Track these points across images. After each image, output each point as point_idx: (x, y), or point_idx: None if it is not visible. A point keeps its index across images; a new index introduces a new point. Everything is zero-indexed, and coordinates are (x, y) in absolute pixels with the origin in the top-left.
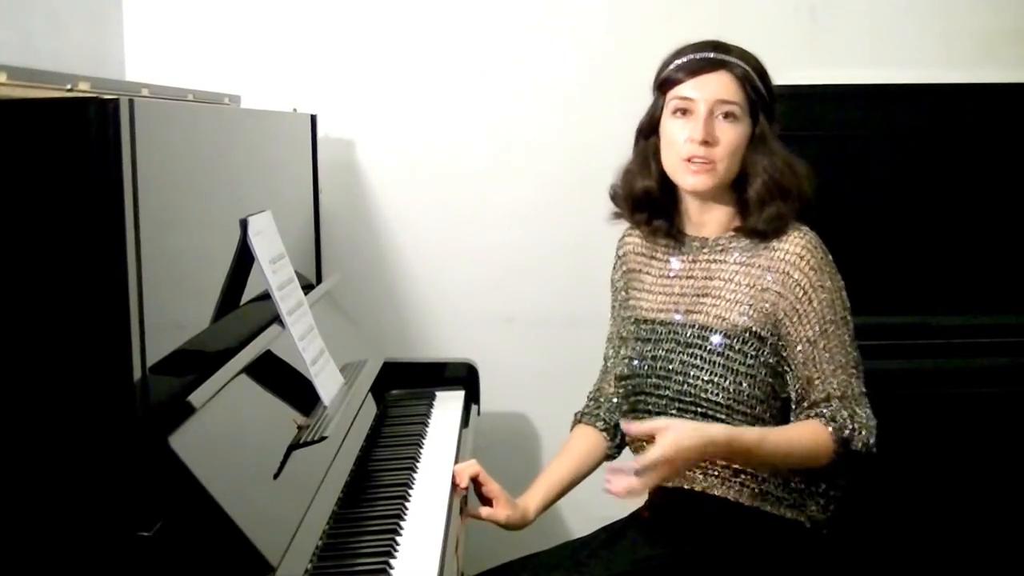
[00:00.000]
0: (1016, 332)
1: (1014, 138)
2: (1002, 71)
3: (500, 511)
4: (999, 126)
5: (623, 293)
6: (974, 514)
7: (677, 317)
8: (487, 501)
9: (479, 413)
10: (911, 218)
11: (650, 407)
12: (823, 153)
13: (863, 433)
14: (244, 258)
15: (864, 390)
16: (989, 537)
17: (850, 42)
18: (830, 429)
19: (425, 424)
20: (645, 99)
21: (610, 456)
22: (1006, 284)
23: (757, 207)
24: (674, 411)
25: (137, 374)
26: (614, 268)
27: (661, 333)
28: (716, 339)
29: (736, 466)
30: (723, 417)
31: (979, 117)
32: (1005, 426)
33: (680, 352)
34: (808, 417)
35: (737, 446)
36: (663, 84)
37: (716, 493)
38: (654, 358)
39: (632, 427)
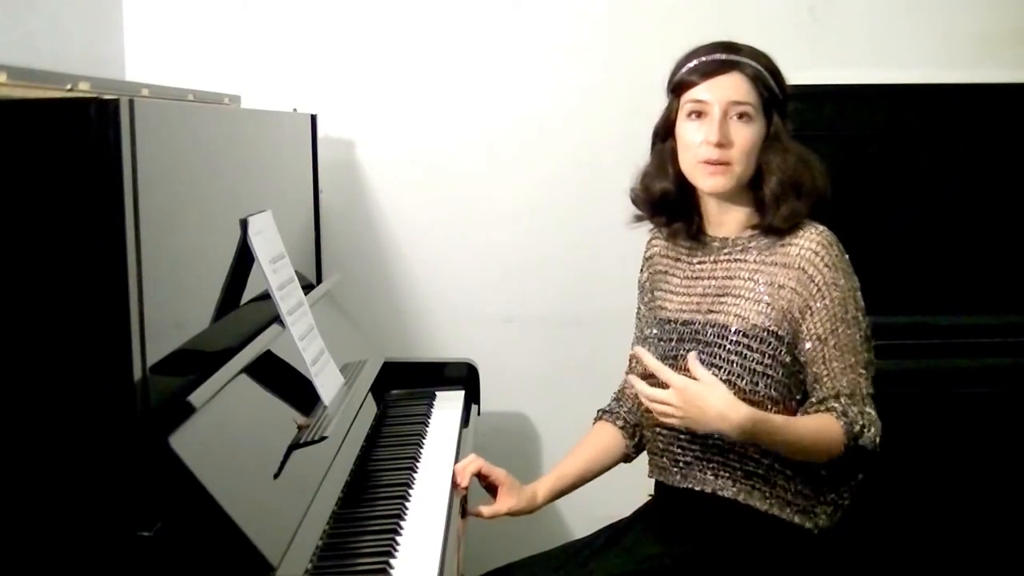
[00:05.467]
0: (1016, 332)
1: (1014, 138)
2: (1002, 71)
3: (503, 503)
4: (999, 126)
5: (649, 294)
6: (975, 514)
7: (698, 317)
8: (493, 491)
9: (479, 413)
10: (911, 218)
11: None
12: (823, 153)
13: (872, 430)
14: (244, 258)
15: (871, 391)
16: (990, 537)
17: (850, 42)
18: (841, 424)
19: (425, 424)
20: (645, 99)
21: (628, 456)
22: (1006, 284)
23: (773, 205)
24: None
25: (137, 374)
26: (641, 269)
27: (683, 333)
28: (734, 337)
29: (749, 467)
30: None
31: (979, 117)
32: (1005, 426)
33: (700, 352)
34: (818, 412)
35: (761, 428)
36: (677, 87)
37: (726, 495)
38: (675, 358)
39: (692, 363)
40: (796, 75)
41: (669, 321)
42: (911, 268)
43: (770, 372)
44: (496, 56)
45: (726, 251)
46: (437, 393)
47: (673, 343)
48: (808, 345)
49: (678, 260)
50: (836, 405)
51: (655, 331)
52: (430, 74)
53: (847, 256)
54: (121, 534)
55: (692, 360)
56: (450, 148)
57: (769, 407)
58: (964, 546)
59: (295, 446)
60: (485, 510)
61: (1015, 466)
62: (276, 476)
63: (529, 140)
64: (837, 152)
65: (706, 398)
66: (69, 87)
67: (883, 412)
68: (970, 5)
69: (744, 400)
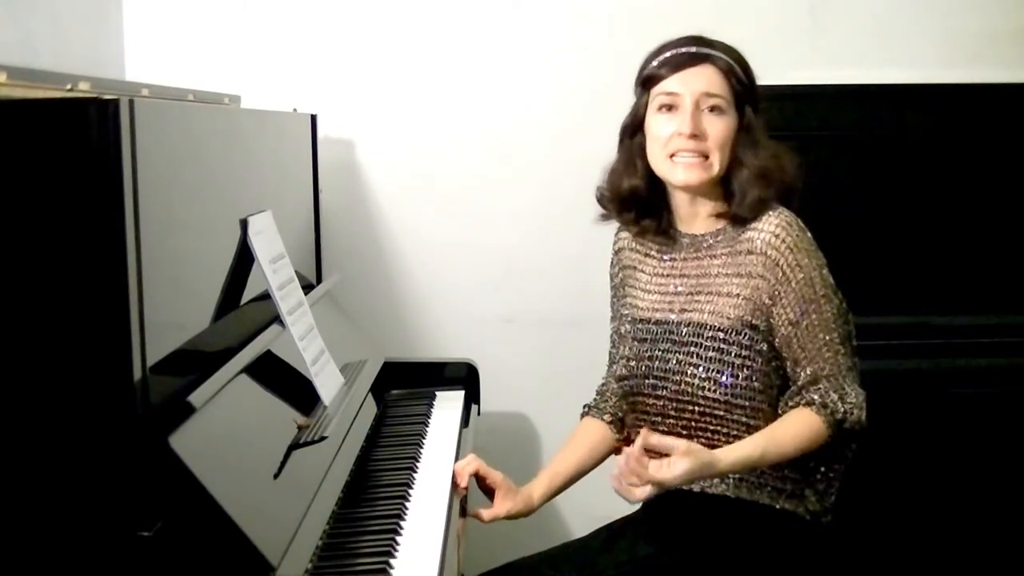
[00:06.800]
0: (1016, 332)
1: (1014, 138)
2: (1002, 71)
3: (501, 507)
4: (999, 126)
5: (620, 290)
6: (974, 514)
7: (672, 316)
8: (490, 493)
9: (479, 413)
10: (911, 218)
11: (648, 408)
12: (823, 153)
13: (854, 413)
14: (244, 258)
15: (852, 364)
16: (988, 536)
17: (850, 42)
18: (821, 417)
19: (425, 424)
20: None
21: (618, 450)
22: (1006, 284)
23: (741, 194)
24: (672, 410)
25: (137, 374)
26: (611, 264)
27: (657, 333)
28: (710, 333)
29: None
30: (722, 413)
31: (979, 117)
32: (1005, 426)
33: (676, 351)
34: (798, 405)
35: (742, 466)
36: (646, 81)
37: (715, 491)
38: (651, 358)
39: (652, 439)
40: (796, 75)
41: (641, 320)
42: (911, 268)
43: (749, 363)
44: (496, 56)
45: (696, 248)
46: (437, 393)
47: (647, 343)
48: (782, 331)
49: (647, 256)
50: (815, 397)
51: (628, 329)
52: (430, 74)
53: (809, 235)
54: (121, 534)
55: (646, 440)
56: (450, 148)
57: (753, 397)
58: (964, 546)
59: (295, 446)
60: (485, 514)
61: (1015, 466)
62: (276, 476)
63: (529, 140)
64: (837, 152)
65: (695, 472)
66: (69, 87)
67: (884, 412)
68: (971, 4)
69: (727, 395)
